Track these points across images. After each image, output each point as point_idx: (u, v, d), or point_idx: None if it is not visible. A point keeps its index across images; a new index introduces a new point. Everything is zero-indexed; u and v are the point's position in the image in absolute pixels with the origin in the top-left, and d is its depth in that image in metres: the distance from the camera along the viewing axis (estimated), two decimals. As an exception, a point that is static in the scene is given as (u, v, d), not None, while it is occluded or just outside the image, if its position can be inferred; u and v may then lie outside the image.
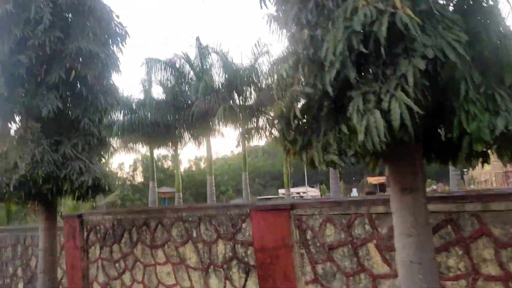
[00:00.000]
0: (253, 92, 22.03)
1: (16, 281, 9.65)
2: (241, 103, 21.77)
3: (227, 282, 6.05)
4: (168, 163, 66.01)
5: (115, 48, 6.58)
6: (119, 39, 6.54)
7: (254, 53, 21.49)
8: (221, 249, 6.15)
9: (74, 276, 8.04)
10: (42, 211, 6.23)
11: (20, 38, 5.66)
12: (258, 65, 21.65)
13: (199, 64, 22.95)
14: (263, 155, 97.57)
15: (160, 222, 6.92)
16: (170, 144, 23.98)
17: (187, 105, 22.72)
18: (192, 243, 6.48)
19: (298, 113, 2.50)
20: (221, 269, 6.12)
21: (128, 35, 6.56)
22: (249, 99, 22.34)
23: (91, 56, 5.98)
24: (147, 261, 7.06)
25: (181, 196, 24.02)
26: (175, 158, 24.62)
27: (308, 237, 5.27)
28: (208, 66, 23.16)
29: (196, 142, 24.23)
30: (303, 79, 2.70)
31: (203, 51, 22.40)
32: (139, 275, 7.19)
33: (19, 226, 11.94)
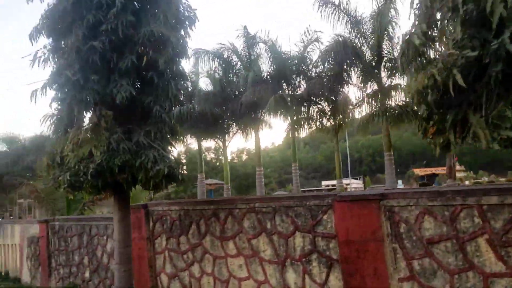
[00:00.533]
0: (302, 81, 21.49)
1: (83, 270, 9.77)
2: (290, 93, 21.29)
3: (307, 276, 5.70)
4: (210, 155, 66.53)
5: (183, 32, 6.33)
6: (187, 22, 6.29)
7: (303, 41, 20.92)
8: (299, 241, 5.80)
9: (141, 267, 7.97)
10: (116, 202, 6.10)
11: (92, 23, 5.51)
12: (308, 54, 21.06)
13: (247, 54, 22.64)
14: (304, 147, 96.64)
15: (230, 213, 6.66)
16: (218, 135, 23.89)
17: (235, 96, 22.52)
18: (266, 235, 6.18)
19: (460, 81, 2.06)
20: (299, 263, 5.78)
21: (197, 19, 6.28)
22: (298, 89, 21.83)
23: (162, 40, 5.76)
24: (217, 253, 6.84)
25: (229, 187, 23.92)
26: (224, 149, 24.52)
27: (402, 230, 4.81)
28: (255, 56, 22.82)
29: (244, 134, 24.02)
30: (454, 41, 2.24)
31: (251, 41, 22.05)
32: (208, 267, 6.98)
33: (85, 216, 12.15)
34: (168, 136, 6.13)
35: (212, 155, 66.67)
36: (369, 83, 19.15)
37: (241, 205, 6.52)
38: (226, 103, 22.49)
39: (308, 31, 20.61)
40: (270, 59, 21.43)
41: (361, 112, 19.97)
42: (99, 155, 5.40)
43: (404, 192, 4.86)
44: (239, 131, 23.79)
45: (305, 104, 20.48)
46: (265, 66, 22.13)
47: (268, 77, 21.85)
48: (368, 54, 18.83)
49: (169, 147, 6.14)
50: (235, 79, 22.82)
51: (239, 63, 22.85)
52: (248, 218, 6.41)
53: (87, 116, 5.96)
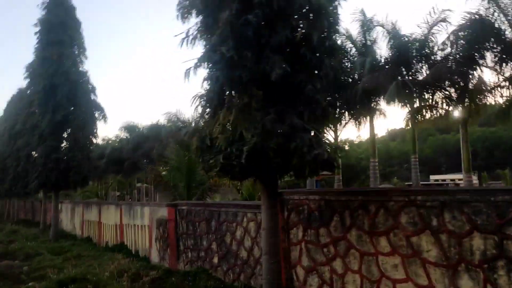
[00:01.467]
0: (424, 66, 19.68)
1: (211, 255, 9.80)
2: (411, 78, 19.63)
3: (489, 286, 4.77)
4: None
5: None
6: (340, -8, 5.64)
7: (427, 22, 19.06)
8: (478, 244, 4.86)
9: (274, 257, 7.64)
10: (264, 189, 5.75)
11: (246, -3, 5.14)
12: (432, 36, 19.17)
13: (362, 39, 21.41)
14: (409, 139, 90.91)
15: (382, 205, 5.93)
16: (330, 124, 23.05)
17: (348, 84, 21.47)
18: (431, 233, 5.34)
19: None
20: (478, 269, 4.86)
21: (352, -13, 5.59)
22: (418, 74, 20.06)
23: (318, 12, 5.20)
24: (365, 249, 6.17)
25: (341, 178, 23.01)
26: (335, 139, 23.62)
27: None
28: (371, 41, 21.50)
29: (356, 123, 22.88)
30: None
31: (367, 25, 20.77)
32: (354, 264, 6.35)
33: (214, 201, 12.34)
34: (322, 118, 5.60)
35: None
36: (509, 65, 16.79)
37: (397, 197, 5.76)
38: (339, 91, 21.53)
39: (434, 11, 18.70)
40: (389, 43, 19.96)
41: (495, 98, 17.65)
42: (250, 137, 5.05)
43: None
44: (352, 120, 22.71)
45: (429, 90, 18.70)
46: (381, 51, 20.75)
47: (386, 62, 20.43)
48: (508, 32, 16.47)
49: (322, 130, 5.61)
50: (348, 65, 21.75)
51: (353, 48, 21.72)
52: (407, 212, 5.62)
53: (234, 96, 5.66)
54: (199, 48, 5.75)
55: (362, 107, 21.34)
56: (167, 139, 28.40)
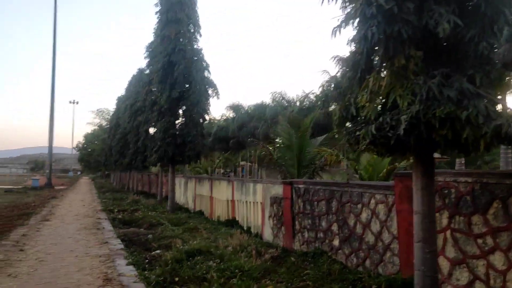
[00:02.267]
0: None
1: (331, 237, 9.26)
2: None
3: None
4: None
5: None
6: None
7: None
8: None
9: (409, 246, 6.81)
10: (419, 165, 4.95)
11: None
12: None
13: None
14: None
15: None
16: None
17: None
18: None
19: None
20: None
21: None
22: None
23: None
24: (540, 245, 5.08)
25: (463, 161, 20.78)
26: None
27: None
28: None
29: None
30: None
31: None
32: (522, 261, 5.30)
33: (332, 180, 11.76)
34: (497, 82, 4.62)
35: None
36: None
37: None
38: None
39: None
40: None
41: None
42: (407, 105, 4.29)
43: None
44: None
45: None
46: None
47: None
48: None
49: (498, 97, 4.63)
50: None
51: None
52: None
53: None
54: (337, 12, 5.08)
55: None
56: (273, 118, 28.33)
